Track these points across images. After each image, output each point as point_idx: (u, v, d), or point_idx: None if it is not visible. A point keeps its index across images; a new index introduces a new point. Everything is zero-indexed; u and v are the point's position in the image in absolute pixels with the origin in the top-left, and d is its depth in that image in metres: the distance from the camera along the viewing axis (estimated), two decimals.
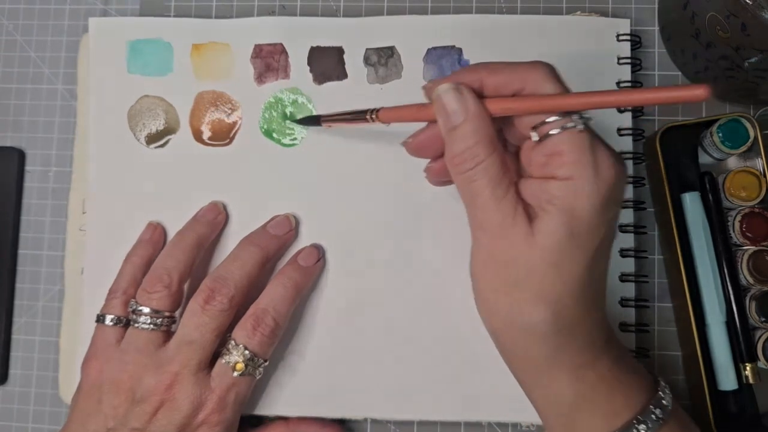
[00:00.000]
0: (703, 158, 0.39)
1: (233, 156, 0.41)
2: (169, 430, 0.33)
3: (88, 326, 0.40)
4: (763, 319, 0.36)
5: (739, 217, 0.37)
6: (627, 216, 0.39)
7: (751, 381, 0.37)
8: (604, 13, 0.41)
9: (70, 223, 0.42)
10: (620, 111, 0.40)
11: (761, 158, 0.37)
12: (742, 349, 0.37)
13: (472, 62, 0.41)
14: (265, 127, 0.41)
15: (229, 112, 0.41)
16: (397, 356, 0.39)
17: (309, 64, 0.41)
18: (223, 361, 0.35)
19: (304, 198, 0.40)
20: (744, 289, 0.38)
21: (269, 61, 0.41)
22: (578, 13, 0.41)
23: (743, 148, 0.37)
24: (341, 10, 0.43)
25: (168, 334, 0.36)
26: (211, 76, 0.41)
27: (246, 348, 0.34)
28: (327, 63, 0.41)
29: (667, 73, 0.41)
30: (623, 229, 0.39)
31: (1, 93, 0.44)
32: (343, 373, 0.39)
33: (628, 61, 0.40)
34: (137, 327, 0.35)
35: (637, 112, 0.40)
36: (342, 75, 0.41)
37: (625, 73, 0.40)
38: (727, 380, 0.37)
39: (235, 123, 0.41)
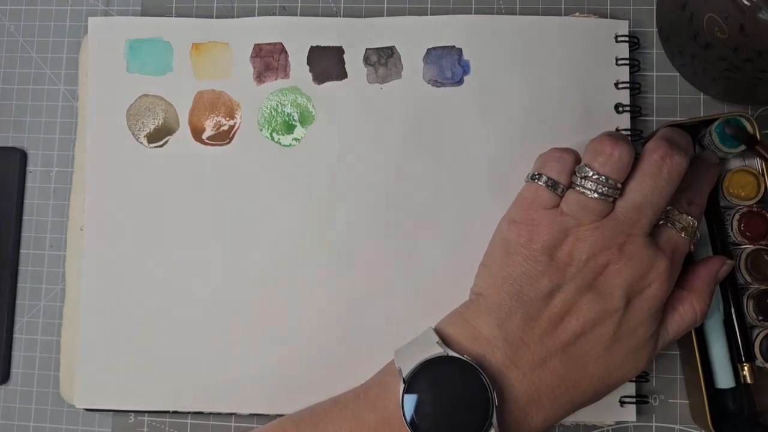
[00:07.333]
0: None
1: (232, 156, 0.41)
2: (618, 284, 0.33)
3: (88, 326, 0.40)
4: (760, 318, 0.36)
5: (737, 216, 0.37)
6: None
7: (749, 380, 0.37)
8: (602, 15, 0.42)
9: (71, 222, 0.42)
10: (618, 111, 0.40)
11: (759, 158, 0.37)
12: (740, 348, 0.37)
13: (472, 62, 0.41)
14: (265, 126, 0.41)
15: (229, 111, 0.41)
16: None
17: (309, 63, 0.41)
18: (669, 225, 0.34)
19: (303, 198, 0.41)
20: (742, 287, 0.38)
21: (269, 60, 0.41)
22: (577, 14, 0.42)
23: (742, 148, 0.37)
24: (341, 11, 0.43)
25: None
26: (210, 76, 0.42)
27: (688, 214, 0.35)
28: (327, 63, 0.41)
29: (666, 74, 0.41)
30: None
31: (3, 94, 0.45)
32: (343, 372, 0.39)
33: (627, 62, 0.40)
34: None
35: (636, 112, 0.40)
36: (342, 75, 0.41)
37: (624, 73, 0.40)
38: (725, 378, 0.37)
39: (234, 123, 0.41)
